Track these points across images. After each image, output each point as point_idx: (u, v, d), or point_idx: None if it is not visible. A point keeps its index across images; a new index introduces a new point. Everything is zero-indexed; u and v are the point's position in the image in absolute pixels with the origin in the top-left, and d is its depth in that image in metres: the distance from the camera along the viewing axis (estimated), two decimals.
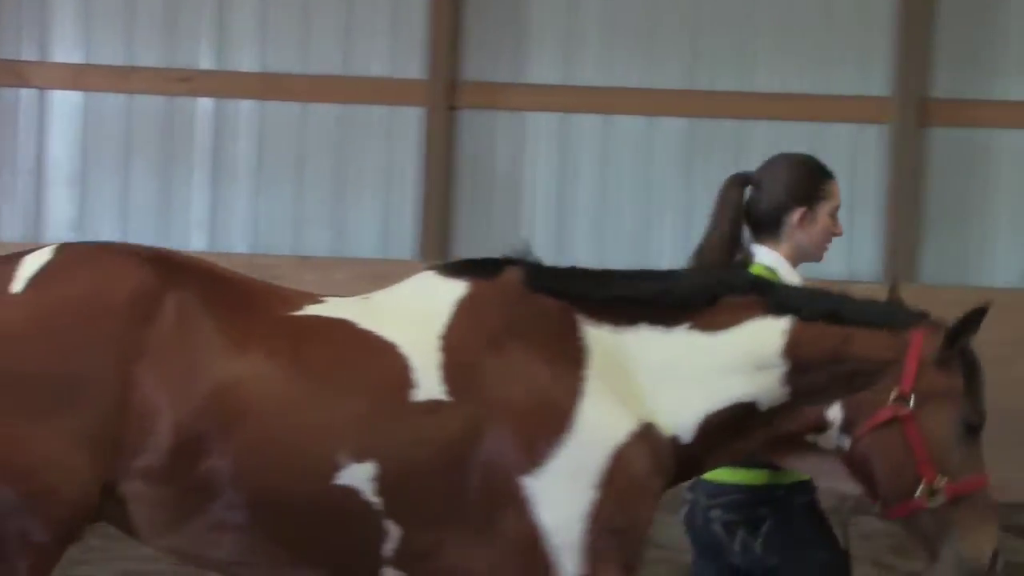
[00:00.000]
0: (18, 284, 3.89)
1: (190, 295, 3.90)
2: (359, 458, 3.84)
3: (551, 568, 3.95)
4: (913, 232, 11.69)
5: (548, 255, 10.33)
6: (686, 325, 4.16)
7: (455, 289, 4.13)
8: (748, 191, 5.08)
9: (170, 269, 3.99)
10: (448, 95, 11.84)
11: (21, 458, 3.80)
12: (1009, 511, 10.35)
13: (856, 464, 4.28)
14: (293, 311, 4.09)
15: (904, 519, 4.37)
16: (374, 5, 12.25)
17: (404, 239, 12.02)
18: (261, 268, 10.66)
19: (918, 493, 4.17)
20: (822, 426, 4.27)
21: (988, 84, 11.74)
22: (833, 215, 5.09)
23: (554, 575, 3.99)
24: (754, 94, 11.82)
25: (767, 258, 5.06)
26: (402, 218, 12.05)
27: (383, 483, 3.85)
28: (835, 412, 4.18)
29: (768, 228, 5.09)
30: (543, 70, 12.03)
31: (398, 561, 3.94)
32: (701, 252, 5.08)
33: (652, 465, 4.02)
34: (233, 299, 4.02)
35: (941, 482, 4.13)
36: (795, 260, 5.06)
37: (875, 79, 11.77)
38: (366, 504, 3.85)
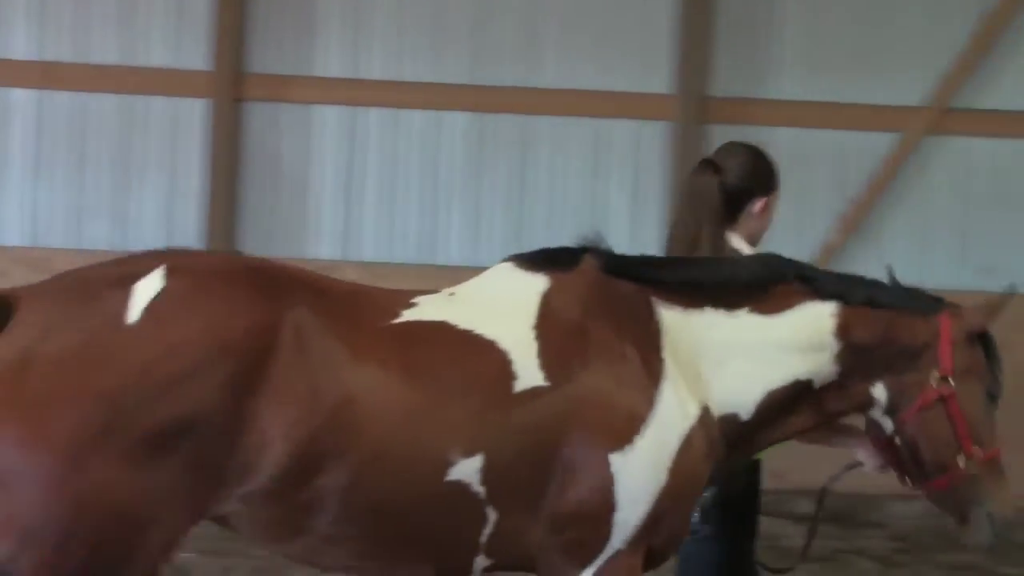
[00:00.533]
0: (133, 315, 3.91)
1: (303, 313, 4.08)
2: (469, 453, 4.17)
3: (603, 541, 4.36)
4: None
5: (335, 248, 11.02)
6: (746, 308, 4.65)
7: (538, 282, 4.53)
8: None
9: (279, 287, 4.15)
10: (234, 87, 12.13)
11: (124, 497, 3.82)
12: (784, 498, 11.34)
13: (903, 443, 4.85)
14: (393, 318, 4.34)
15: (942, 490, 4.96)
16: None
17: (189, 232, 12.09)
18: (37, 261, 11.08)
19: (962, 464, 4.76)
20: (867, 404, 4.86)
21: (765, 84, 12.54)
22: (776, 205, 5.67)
23: (601, 547, 4.39)
24: (539, 90, 12.34)
25: (737, 243, 5.54)
26: (187, 210, 12.25)
27: (488, 473, 4.19)
28: (880, 392, 4.75)
29: (728, 214, 5.51)
30: (330, 63, 12.40)
31: (490, 547, 4.29)
32: (677, 236, 5.53)
33: (707, 451, 4.46)
34: (339, 310, 4.25)
35: (978, 452, 4.74)
36: (749, 245, 5.56)
37: (657, 77, 12.37)
38: (473, 495, 4.17)
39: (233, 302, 4.02)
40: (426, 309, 4.48)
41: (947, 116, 12.49)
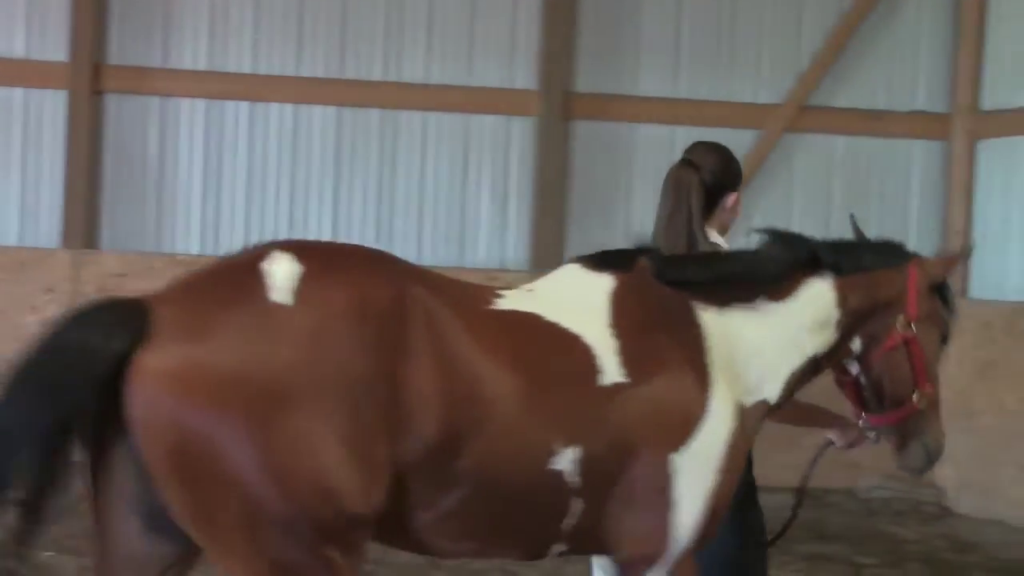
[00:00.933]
0: (279, 295, 4.04)
1: (421, 290, 4.29)
2: (568, 443, 4.41)
3: (667, 539, 4.67)
4: (559, 221, 12.67)
5: (198, 242, 11.62)
6: (763, 298, 5.03)
7: (604, 282, 4.83)
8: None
9: (391, 265, 4.42)
10: (92, 79, 12.23)
11: (310, 469, 3.96)
12: None
13: (868, 382, 5.42)
14: (491, 306, 4.59)
15: (896, 423, 5.53)
16: None
17: (48, 225, 12.41)
18: None
19: (915, 399, 5.36)
20: (847, 356, 5.40)
21: (629, 80, 12.92)
22: None
23: (667, 546, 4.71)
24: (405, 84, 12.67)
25: (713, 236, 5.99)
26: (45, 204, 12.43)
27: (581, 464, 4.44)
28: (856, 343, 5.30)
29: (706, 208, 5.97)
30: (193, 56, 12.61)
31: (569, 535, 4.58)
32: (665, 230, 5.90)
33: (745, 448, 4.91)
34: (446, 293, 4.46)
35: (930, 389, 5.36)
36: (720, 236, 6.04)
37: (522, 73, 12.78)
38: (566, 485, 4.42)
39: (370, 276, 4.26)
40: (514, 301, 4.75)
41: (805, 113, 13.00)
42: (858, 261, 5.33)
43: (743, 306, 5.09)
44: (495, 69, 12.90)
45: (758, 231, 5.48)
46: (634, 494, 4.62)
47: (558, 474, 4.44)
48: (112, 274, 12.07)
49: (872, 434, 5.71)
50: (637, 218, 12.47)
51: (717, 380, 4.77)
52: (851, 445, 5.95)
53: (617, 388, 4.55)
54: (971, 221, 12.96)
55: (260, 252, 4.32)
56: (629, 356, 4.62)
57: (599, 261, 5.00)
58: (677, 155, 12.35)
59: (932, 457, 5.61)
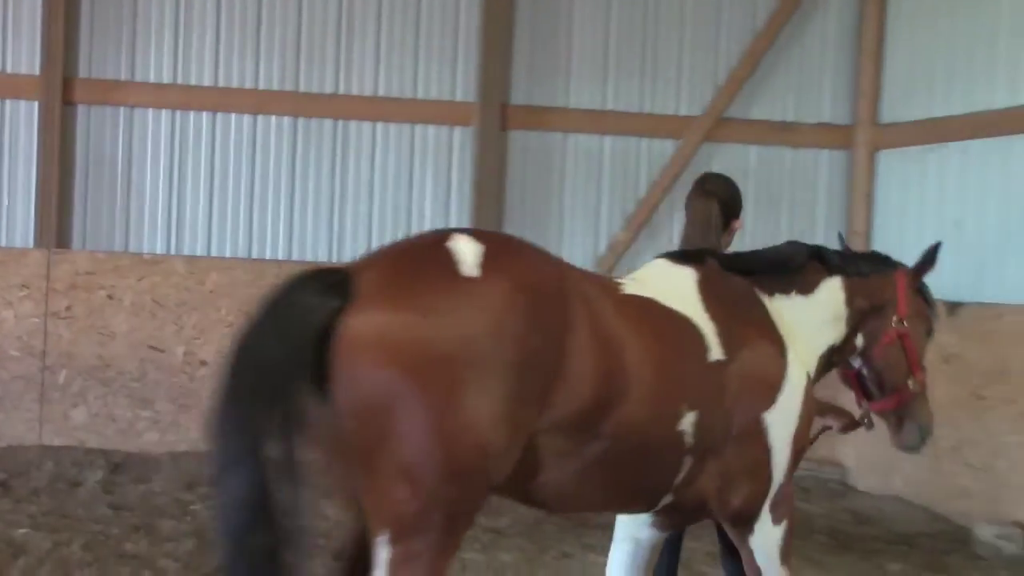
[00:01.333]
0: (468, 269, 4.29)
1: (577, 277, 4.69)
2: (691, 408, 4.91)
3: (767, 480, 5.36)
4: (496, 221, 12.69)
5: (163, 243, 11.74)
6: (794, 291, 5.72)
7: (689, 273, 5.33)
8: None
9: (550, 255, 4.76)
10: (63, 91, 12.25)
11: (475, 427, 4.18)
12: None
13: (869, 373, 6.06)
14: (623, 291, 4.97)
15: (895, 408, 6.16)
16: None
17: (24, 227, 12.45)
18: None
19: (911, 386, 6.02)
20: (852, 353, 6.03)
21: (559, 94, 13.05)
22: None
23: (768, 485, 5.37)
24: (354, 97, 12.79)
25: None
26: (20, 207, 12.46)
27: (698, 427, 4.95)
28: (859, 340, 5.96)
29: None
30: (158, 69, 12.61)
31: (677, 488, 5.08)
32: (690, 246, 6.34)
33: (810, 404, 5.52)
34: (592, 281, 4.86)
35: (921, 376, 6.00)
36: None
37: (462, 87, 12.92)
38: (684, 444, 4.93)
39: (540, 258, 4.62)
40: (634, 288, 5.11)
41: (722, 125, 13.17)
42: (857, 268, 5.98)
43: (783, 296, 5.73)
44: (438, 83, 13.01)
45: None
46: (739, 449, 5.25)
47: (680, 435, 4.93)
48: (82, 272, 12.14)
49: (867, 420, 6.33)
50: (567, 219, 13.14)
51: (788, 350, 5.45)
52: (845, 430, 6.48)
53: (720, 364, 5.12)
54: (871, 224, 13.19)
55: (442, 234, 4.63)
56: (724, 334, 5.19)
57: (680, 257, 5.59)
58: (605, 162, 13.03)
59: (925, 435, 6.24)
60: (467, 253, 4.42)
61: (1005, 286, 11.28)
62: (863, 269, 6.04)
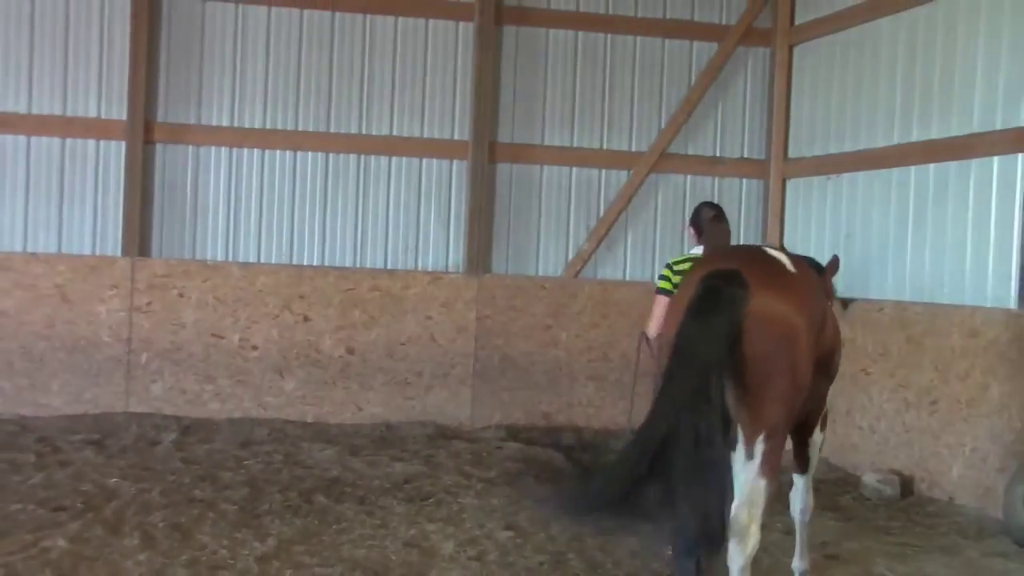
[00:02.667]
0: (790, 267, 5.95)
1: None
2: (826, 346, 6.15)
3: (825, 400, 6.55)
4: (486, 237, 12.77)
5: (222, 253, 11.70)
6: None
7: (786, 257, 6.11)
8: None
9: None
10: (145, 133, 12.22)
11: (807, 365, 5.67)
12: (555, 433, 12.10)
13: (826, 347, 6.39)
14: (787, 267, 6.00)
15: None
16: (86, 48, 12.24)
17: (114, 240, 12.29)
18: (9, 263, 11.49)
19: (839, 352, 6.69)
20: None
21: (535, 134, 13.07)
22: None
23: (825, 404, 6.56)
24: (374, 136, 12.71)
25: (699, 251, 7.30)
26: (111, 224, 12.32)
27: (822, 362, 6.06)
28: None
29: (703, 238, 7.39)
30: (218, 116, 12.56)
31: (804, 401, 5.88)
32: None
33: None
34: (797, 261, 6.26)
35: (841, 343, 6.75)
36: None
37: (459, 128, 12.88)
38: (817, 374, 5.93)
39: (802, 258, 6.48)
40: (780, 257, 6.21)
41: (663, 159, 13.22)
42: (817, 267, 6.99)
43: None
44: (440, 125, 12.98)
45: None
46: (823, 369, 6.27)
47: (818, 367, 6.01)
48: (159, 275, 12.25)
49: None
50: (542, 233, 13.16)
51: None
52: None
53: (823, 308, 6.18)
54: (783, 237, 13.26)
55: (759, 247, 6.58)
56: (818, 293, 6.17)
57: (775, 248, 6.52)
58: (572, 188, 13.09)
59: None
60: (783, 259, 6.00)
61: (885, 285, 11.41)
62: (818, 267, 7.07)
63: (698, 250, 7.37)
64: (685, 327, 5.47)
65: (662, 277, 7.38)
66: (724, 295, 5.45)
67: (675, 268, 7.32)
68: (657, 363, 6.50)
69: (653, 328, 7.21)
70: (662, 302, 7.19)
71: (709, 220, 7.49)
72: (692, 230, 7.68)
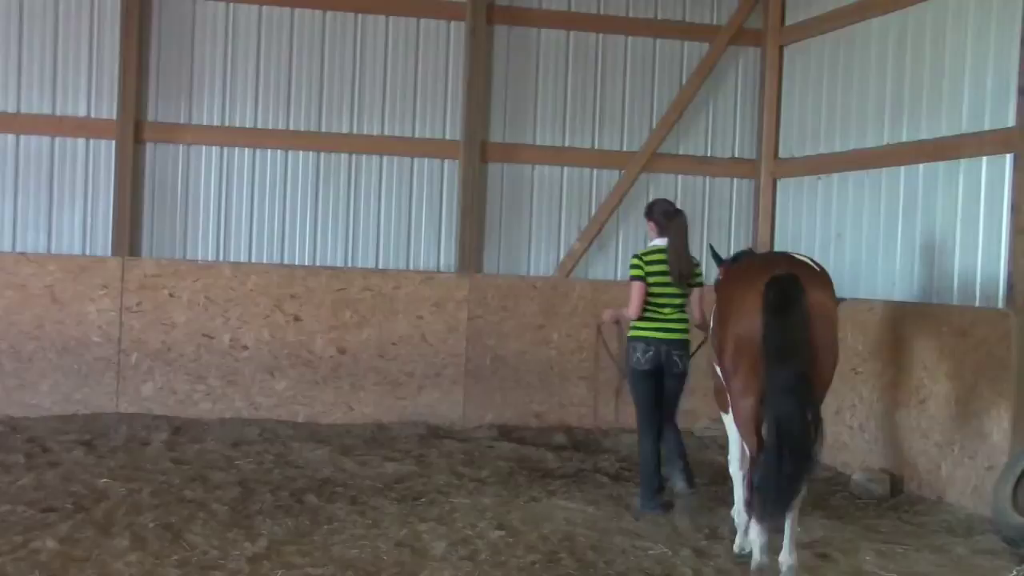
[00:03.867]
0: (819, 268, 7.53)
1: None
2: None
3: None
4: (478, 236, 12.84)
5: (212, 252, 11.68)
6: None
7: (807, 259, 7.69)
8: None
9: None
10: (135, 132, 12.25)
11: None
12: (544, 433, 12.25)
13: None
14: (815, 267, 7.52)
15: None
16: (76, 46, 12.27)
17: (104, 240, 12.32)
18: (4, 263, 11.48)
19: None
20: None
21: (527, 134, 13.16)
22: None
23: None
24: (365, 136, 12.81)
25: (663, 243, 8.73)
26: (100, 224, 12.38)
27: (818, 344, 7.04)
28: None
29: (665, 231, 8.74)
30: (208, 115, 12.61)
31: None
32: (678, 248, 8.80)
33: None
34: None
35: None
36: None
37: (451, 128, 12.93)
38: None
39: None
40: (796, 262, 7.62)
41: (655, 159, 13.31)
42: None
43: None
44: (431, 125, 13.04)
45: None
46: (830, 346, 7.39)
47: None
48: (149, 275, 12.27)
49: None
50: (534, 233, 13.26)
51: None
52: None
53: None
54: (773, 236, 13.38)
55: (791, 254, 8.04)
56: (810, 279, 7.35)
57: (752, 250, 8.61)
58: (564, 188, 13.16)
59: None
60: (811, 262, 7.56)
61: (875, 285, 11.48)
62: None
63: (660, 242, 8.82)
64: (771, 326, 6.87)
65: (634, 266, 8.92)
66: (793, 295, 6.88)
67: (645, 259, 8.91)
68: (723, 355, 7.58)
69: (632, 311, 8.86)
70: (637, 287, 8.83)
71: (668, 215, 8.80)
72: (653, 224, 8.98)
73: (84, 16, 12.36)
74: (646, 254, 8.93)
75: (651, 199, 12.77)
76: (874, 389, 10.92)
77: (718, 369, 7.86)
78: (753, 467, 7.24)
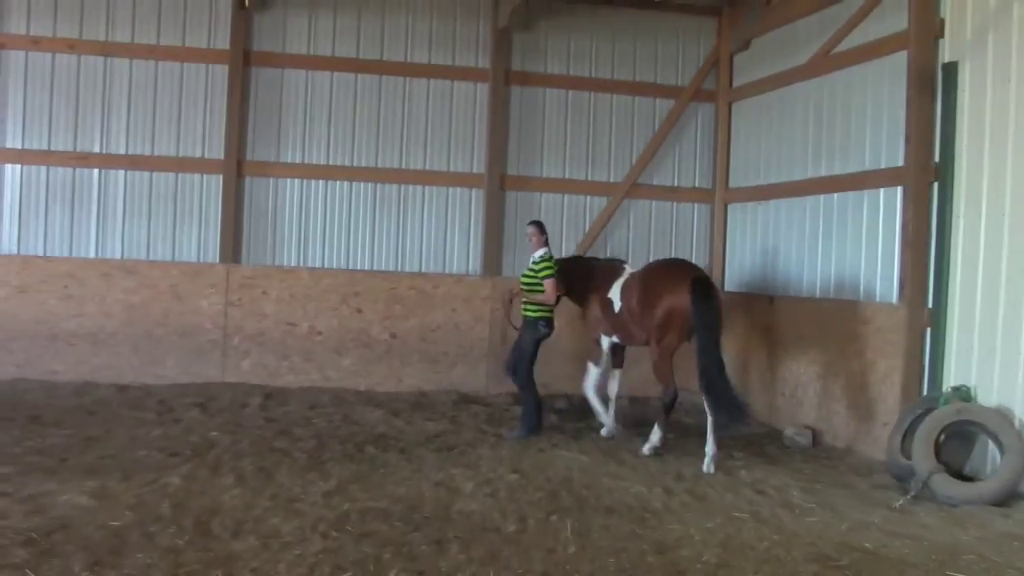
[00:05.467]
0: (698, 272, 9.03)
1: None
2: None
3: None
4: (498, 248, 12.78)
5: (295, 260, 11.80)
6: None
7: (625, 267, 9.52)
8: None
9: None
10: (238, 169, 12.19)
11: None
12: (551, 399, 12.19)
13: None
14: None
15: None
16: (194, 106, 12.18)
17: (214, 250, 12.24)
18: (131, 266, 11.58)
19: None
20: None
21: (536, 168, 13.01)
22: None
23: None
24: (412, 170, 12.71)
25: (546, 253, 9.73)
26: (212, 240, 12.22)
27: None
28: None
29: (544, 238, 9.77)
30: (292, 154, 12.55)
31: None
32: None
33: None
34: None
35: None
36: None
37: (477, 163, 12.88)
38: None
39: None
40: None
41: (634, 188, 13.28)
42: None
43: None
44: (462, 161, 12.95)
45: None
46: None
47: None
48: (247, 277, 12.42)
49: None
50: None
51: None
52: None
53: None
54: (725, 249, 13.35)
55: (683, 260, 9.56)
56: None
57: (597, 258, 9.65)
58: (564, 211, 13.21)
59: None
60: (697, 266, 9.02)
61: (801, 285, 11.49)
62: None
63: (541, 251, 9.83)
64: (703, 306, 8.59)
65: (548, 267, 9.81)
66: (711, 285, 8.82)
67: (555, 262, 9.97)
68: (646, 321, 9.23)
69: (552, 296, 9.80)
70: (554, 283, 9.81)
71: (542, 229, 9.91)
72: (542, 237, 9.95)
73: (201, 82, 12.45)
74: (555, 260, 10.12)
75: (631, 219, 13.12)
76: (800, 364, 11.00)
77: (605, 335, 9.89)
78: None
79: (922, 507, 7.60)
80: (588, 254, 13.13)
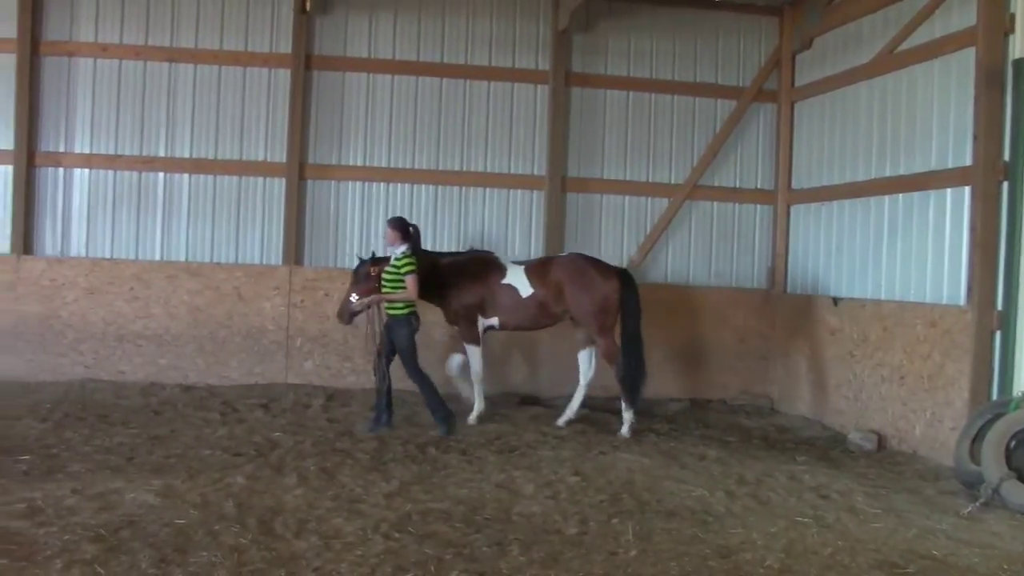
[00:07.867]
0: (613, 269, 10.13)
1: None
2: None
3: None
4: (559, 249, 12.46)
5: (357, 260, 11.79)
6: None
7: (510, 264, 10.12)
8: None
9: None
10: (300, 172, 12.39)
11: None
12: (611, 401, 12.24)
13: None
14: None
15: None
16: (257, 111, 12.33)
17: (276, 253, 12.37)
18: (197, 269, 11.71)
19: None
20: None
21: (596, 169, 13.06)
22: None
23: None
24: (474, 172, 12.76)
25: (403, 248, 9.47)
26: (276, 239, 12.40)
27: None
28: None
29: (409, 238, 9.59)
30: (354, 157, 12.63)
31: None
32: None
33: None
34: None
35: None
36: None
37: (538, 165, 12.89)
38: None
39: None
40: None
41: (696, 189, 13.24)
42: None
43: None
44: (523, 163, 12.99)
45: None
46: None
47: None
48: (309, 279, 12.51)
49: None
50: (603, 248, 12.98)
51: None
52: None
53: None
54: (787, 249, 13.24)
55: (609, 264, 10.05)
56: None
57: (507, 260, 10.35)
58: (625, 212, 13.15)
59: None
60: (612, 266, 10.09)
61: (866, 287, 11.37)
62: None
63: (402, 248, 9.63)
64: (628, 295, 10.07)
65: (410, 264, 9.64)
66: (631, 277, 10.15)
67: (415, 259, 9.69)
68: (580, 309, 10.28)
69: (415, 292, 9.66)
70: (416, 279, 9.64)
71: (409, 228, 9.78)
72: (400, 234, 9.72)
73: (263, 86, 12.60)
74: (416, 258, 9.89)
75: (693, 221, 13.01)
76: (865, 368, 10.90)
77: (484, 319, 10.44)
78: None
79: (992, 514, 7.46)
80: (648, 255, 13.05)
